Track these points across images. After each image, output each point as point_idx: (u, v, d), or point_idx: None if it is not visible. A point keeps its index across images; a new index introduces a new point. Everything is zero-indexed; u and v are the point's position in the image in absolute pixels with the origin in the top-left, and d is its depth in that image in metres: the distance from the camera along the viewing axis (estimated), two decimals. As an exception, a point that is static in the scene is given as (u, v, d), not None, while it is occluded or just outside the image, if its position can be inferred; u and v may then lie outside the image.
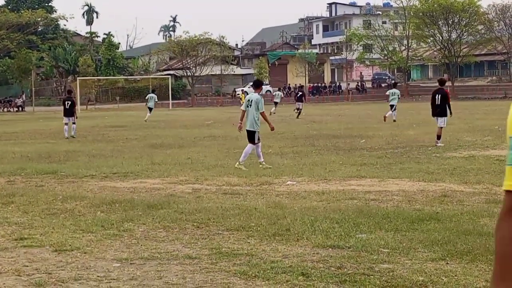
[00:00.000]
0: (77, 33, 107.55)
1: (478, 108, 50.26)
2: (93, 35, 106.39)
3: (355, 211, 10.30)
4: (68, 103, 30.46)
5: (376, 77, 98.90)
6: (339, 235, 8.76)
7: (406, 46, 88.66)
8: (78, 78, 78.56)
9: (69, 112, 30.14)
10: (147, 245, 8.57)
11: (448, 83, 54.88)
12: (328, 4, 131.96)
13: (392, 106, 35.96)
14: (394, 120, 34.82)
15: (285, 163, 17.59)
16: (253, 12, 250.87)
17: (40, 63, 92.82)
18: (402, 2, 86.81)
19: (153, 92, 48.08)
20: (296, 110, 45.69)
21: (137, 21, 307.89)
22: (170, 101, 73.10)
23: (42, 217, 10.59)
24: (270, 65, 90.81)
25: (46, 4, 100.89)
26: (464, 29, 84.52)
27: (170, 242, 8.77)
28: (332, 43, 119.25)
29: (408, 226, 9.14)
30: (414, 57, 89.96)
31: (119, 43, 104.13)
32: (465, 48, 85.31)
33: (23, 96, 79.08)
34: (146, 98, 47.69)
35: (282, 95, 52.43)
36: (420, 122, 32.56)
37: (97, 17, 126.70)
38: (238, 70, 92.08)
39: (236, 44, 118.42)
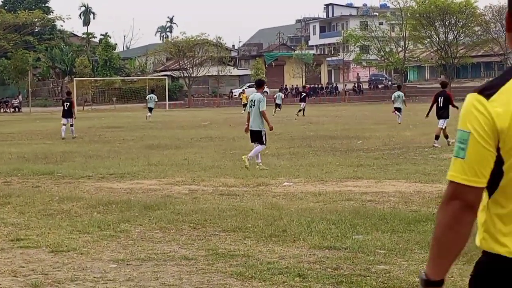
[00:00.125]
0: (74, 34, 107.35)
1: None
2: (90, 36, 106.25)
3: (352, 212, 10.30)
4: (67, 104, 30.58)
5: (373, 78, 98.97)
6: (335, 236, 8.76)
7: (403, 47, 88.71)
8: (74, 79, 78.48)
9: (68, 113, 30.19)
10: (144, 246, 8.56)
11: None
12: (325, 5, 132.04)
13: (398, 109, 35.35)
14: (399, 123, 34.29)
15: (282, 164, 17.59)
16: (250, 13, 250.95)
17: (36, 64, 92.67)
18: (399, 3, 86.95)
19: (152, 92, 48.45)
20: (298, 112, 45.86)
21: (134, 22, 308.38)
22: (167, 102, 73.08)
23: (38, 218, 10.58)
24: (267, 66, 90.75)
25: (43, 5, 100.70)
26: (461, 30, 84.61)
27: (167, 243, 8.77)
28: (329, 44, 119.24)
29: (405, 227, 9.15)
30: (411, 58, 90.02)
31: (116, 44, 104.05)
32: (461, 49, 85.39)
33: (20, 97, 78.96)
34: (147, 98, 48.12)
35: (283, 96, 52.43)
36: (417, 123, 32.56)
37: (94, 18, 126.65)
38: (235, 71, 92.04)
39: (233, 45, 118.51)
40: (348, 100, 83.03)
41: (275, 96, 54.43)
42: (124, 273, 7.35)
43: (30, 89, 78.68)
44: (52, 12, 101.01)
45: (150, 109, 45.62)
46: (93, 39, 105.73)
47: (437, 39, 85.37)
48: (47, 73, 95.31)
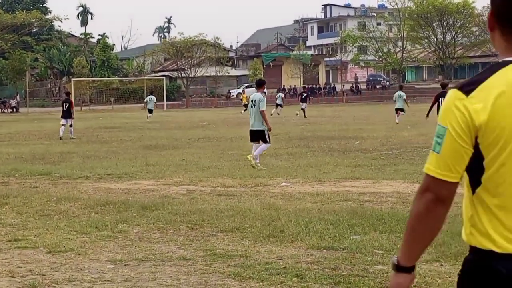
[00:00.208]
0: (72, 34, 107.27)
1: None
2: (88, 36, 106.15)
3: (350, 213, 10.30)
4: (66, 105, 30.75)
5: (370, 78, 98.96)
6: (333, 237, 8.76)
7: (401, 48, 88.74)
8: (72, 79, 78.36)
9: (67, 114, 30.29)
10: (141, 247, 8.56)
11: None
12: (323, 5, 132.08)
13: (401, 109, 35.16)
14: (397, 123, 34.21)
15: (280, 164, 17.59)
16: (248, 13, 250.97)
17: (34, 64, 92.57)
18: (396, 3, 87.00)
19: (151, 94, 48.72)
20: (298, 112, 45.88)
21: (131, 22, 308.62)
22: (165, 102, 73.04)
23: (36, 218, 10.58)
24: (264, 66, 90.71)
25: (41, 5, 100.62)
26: (458, 31, 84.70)
27: (165, 243, 8.77)
28: (327, 44, 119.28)
29: (403, 227, 9.11)
30: (408, 59, 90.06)
31: (114, 44, 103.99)
32: (459, 49, 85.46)
33: (18, 97, 78.85)
34: (145, 100, 48.50)
35: (283, 96, 52.47)
36: (415, 123, 32.56)
37: (91, 18, 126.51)
38: (233, 72, 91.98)
39: (231, 46, 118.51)
40: (346, 101, 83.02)
41: (276, 97, 54.41)
42: (121, 274, 7.35)
43: (28, 89, 78.57)
44: (50, 13, 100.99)
45: (150, 111, 45.96)
46: (91, 40, 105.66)
47: (435, 39, 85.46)
48: (45, 74, 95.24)
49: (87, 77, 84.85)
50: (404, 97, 35.88)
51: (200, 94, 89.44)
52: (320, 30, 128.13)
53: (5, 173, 16.64)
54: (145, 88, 78.76)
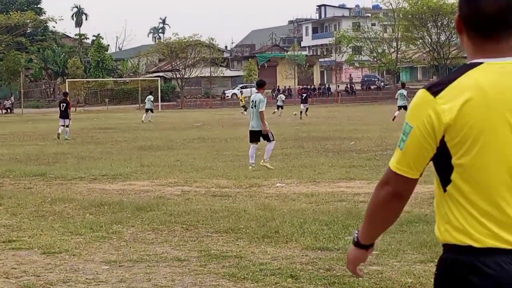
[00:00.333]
0: (66, 35, 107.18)
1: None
2: (82, 37, 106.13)
3: (344, 213, 10.31)
4: (63, 105, 31.00)
5: (365, 79, 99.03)
6: (328, 237, 8.77)
7: (395, 48, 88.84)
8: (67, 80, 78.35)
9: (64, 114, 30.46)
10: (136, 247, 8.55)
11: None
12: (317, 6, 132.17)
13: (404, 107, 35.25)
14: (393, 120, 34.45)
15: (275, 165, 17.58)
16: (243, 14, 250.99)
17: (29, 65, 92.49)
18: (391, 4, 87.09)
19: (150, 94, 48.95)
20: (296, 113, 45.96)
21: (126, 23, 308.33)
22: (160, 103, 72.97)
23: (30, 219, 10.56)
24: (259, 67, 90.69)
25: (35, 6, 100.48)
26: (453, 31, 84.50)
27: (159, 244, 8.76)
28: (322, 45, 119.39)
29: (397, 228, 9.15)
30: (403, 59, 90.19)
31: (108, 45, 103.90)
32: (454, 50, 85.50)
33: (12, 98, 78.73)
34: (145, 101, 48.85)
35: (284, 98, 52.55)
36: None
37: (86, 19, 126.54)
38: (228, 72, 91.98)
39: (226, 46, 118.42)
40: (341, 101, 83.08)
41: (277, 98, 54.40)
42: (116, 275, 7.34)
43: (22, 90, 78.49)
44: (44, 13, 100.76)
45: (149, 110, 46.21)
46: (85, 40, 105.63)
47: (430, 40, 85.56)
48: (39, 74, 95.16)
49: (82, 78, 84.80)
50: (405, 94, 36.33)
51: (194, 94, 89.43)
52: (314, 30, 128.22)
53: None
54: (140, 89, 78.72)
